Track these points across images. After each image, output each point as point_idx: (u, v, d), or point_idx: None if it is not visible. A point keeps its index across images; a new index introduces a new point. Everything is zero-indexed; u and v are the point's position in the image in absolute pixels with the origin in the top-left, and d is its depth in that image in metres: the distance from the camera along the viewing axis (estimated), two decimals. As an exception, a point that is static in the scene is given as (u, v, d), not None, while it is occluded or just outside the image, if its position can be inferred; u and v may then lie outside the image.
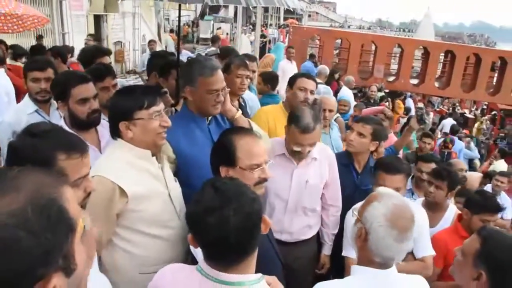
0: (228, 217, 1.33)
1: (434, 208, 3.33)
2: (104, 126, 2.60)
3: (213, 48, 10.02)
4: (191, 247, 1.89)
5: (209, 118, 2.65)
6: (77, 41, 10.20)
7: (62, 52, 5.33)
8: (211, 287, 1.39)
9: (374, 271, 1.70)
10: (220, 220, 1.33)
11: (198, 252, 1.80)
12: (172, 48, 14.46)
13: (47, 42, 10.09)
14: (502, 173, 6.41)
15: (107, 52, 4.30)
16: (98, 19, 13.93)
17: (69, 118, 2.59)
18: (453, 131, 11.54)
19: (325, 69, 9.83)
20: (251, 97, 4.36)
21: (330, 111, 4.44)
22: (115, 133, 2.10)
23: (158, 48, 12.24)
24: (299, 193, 2.83)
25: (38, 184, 0.76)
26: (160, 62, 3.69)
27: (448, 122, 13.44)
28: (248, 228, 1.36)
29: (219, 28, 24.82)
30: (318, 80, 9.24)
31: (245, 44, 13.23)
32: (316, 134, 2.68)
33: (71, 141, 1.57)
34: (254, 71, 4.27)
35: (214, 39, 11.72)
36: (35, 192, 0.73)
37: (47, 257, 0.71)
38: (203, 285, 1.41)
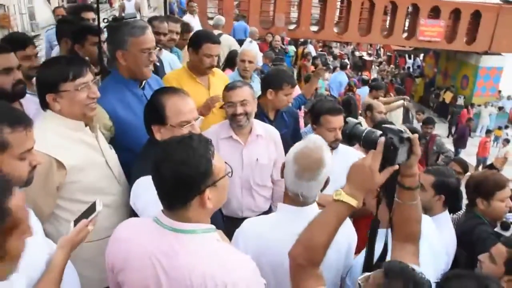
0: (163, 167, 1.43)
1: None
2: (28, 100, 2.51)
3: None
4: (133, 206, 1.96)
5: (143, 82, 2.65)
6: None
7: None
8: (166, 235, 1.50)
9: (293, 208, 1.92)
10: (158, 166, 1.45)
11: (141, 212, 1.89)
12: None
13: None
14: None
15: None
16: (-26, -20, 12.49)
17: None
18: (342, 67, 12.29)
19: (221, 19, 9.74)
20: (171, 58, 4.27)
21: (250, 62, 4.55)
22: (44, 105, 2.07)
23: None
24: (251, 171, 2.89)
25: None
26: (70, 28, 3.44)
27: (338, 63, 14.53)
28: (178, 184, 1.43)
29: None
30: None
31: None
32: (244, 92, 2.79)
33: (15, 115, 1.59)
34: (178, 32, 4.19)
35: None
36: None
37: None
38: (160, 234, 1.51)
